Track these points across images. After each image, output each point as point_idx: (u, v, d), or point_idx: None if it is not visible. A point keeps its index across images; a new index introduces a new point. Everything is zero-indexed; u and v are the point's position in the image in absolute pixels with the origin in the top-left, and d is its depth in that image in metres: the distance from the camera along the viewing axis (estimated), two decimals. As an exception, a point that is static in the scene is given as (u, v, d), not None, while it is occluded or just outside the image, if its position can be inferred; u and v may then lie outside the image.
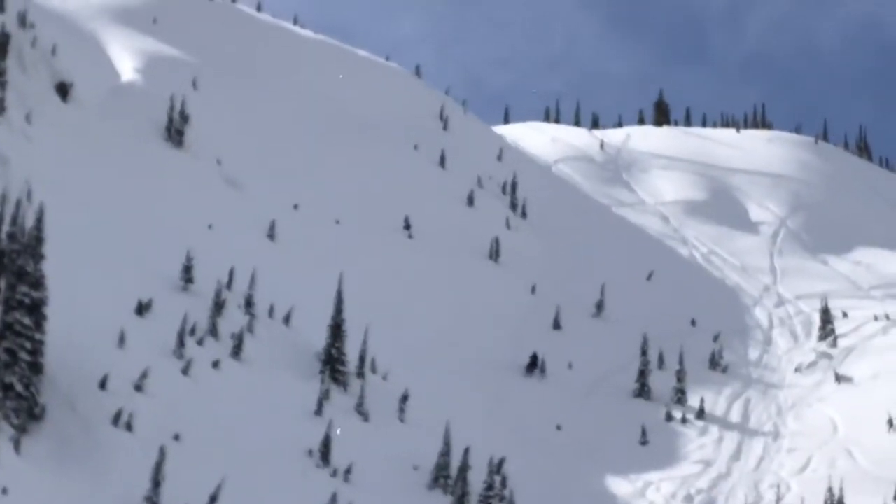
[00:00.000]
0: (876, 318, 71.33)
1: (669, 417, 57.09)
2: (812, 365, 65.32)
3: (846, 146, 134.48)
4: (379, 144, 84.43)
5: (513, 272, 74.19)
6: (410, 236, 73.16)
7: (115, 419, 39.59)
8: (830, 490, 45.77)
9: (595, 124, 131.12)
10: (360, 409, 48.69)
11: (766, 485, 49.93)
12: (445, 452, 45.07)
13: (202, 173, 66.83)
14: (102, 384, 40.80)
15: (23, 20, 65.58)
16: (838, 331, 69.05)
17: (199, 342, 47.58)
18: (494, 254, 74.98)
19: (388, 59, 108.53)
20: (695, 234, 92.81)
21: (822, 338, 68.95)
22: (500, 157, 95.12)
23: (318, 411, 46.72)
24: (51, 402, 38.45)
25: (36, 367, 38.01)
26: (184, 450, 39.56)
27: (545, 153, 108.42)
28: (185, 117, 68.98)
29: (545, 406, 57.04)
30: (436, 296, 65.56)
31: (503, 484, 44.90)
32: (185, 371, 45.09)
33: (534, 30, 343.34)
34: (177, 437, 40.29)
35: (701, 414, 57.56)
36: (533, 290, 72.36)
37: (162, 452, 36.66)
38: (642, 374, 59.85)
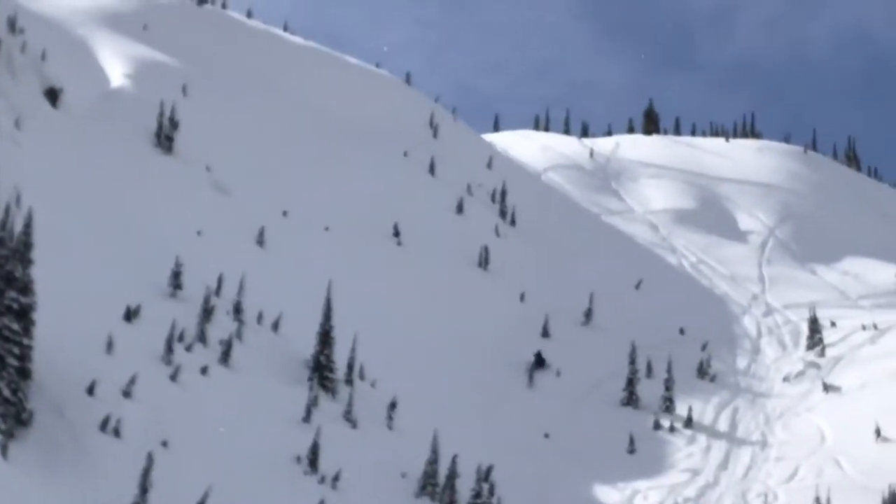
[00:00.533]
0: (864, 328, 71.40)
1: (657, 426, 57.14)
2: (800, 374, 65.40)
3: (835, 156, 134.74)
4: (369, 151, 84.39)
5: (502, 280, 74.22)
6: (400, 243, 73.14)
7: (103, 425, 39.52)
8: (818, 499, 45.90)
9: (585, 133, 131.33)
10: (349, 417, 48.67)
11: (753, 494, 49.95)
12: (433, 460, 45.04)
13: (191, 179, 66.76)
14: (90, 390, 40.74)
15: (12, 25, 65.59)
16: (826, 340, 69.13)
17: (188, 348, 47.54)
18: (484, 261, 75.00)
19: (378, 66, 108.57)
20: (684, 242, 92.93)
21: (811, 347, 69.04)
22: (489, 165, 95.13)
23: (307, 418, 46.68)
24: (39, 408, 38.37)
25: (24, 373, 37.94)
26: (172, 456, 39.52)
27: (535, 161, 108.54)
28: (174, 123, 68.93)
29: (533, 414, 57.07)
30: (425, 303, 65.57)
31: (491, 492, 44.97)
32: (173, 377, 45.03)
33: (523, 37, 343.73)
34: (165, 444, 40.23)
35: (689, 422, 57.61)
36: (522, 297, 72.39)
37: (150, 459, 36.62)
38: (630, 383, 59.89)
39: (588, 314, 71.41)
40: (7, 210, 40.05)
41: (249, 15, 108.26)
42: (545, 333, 67.59)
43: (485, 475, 45.49)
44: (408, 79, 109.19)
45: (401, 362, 56.38)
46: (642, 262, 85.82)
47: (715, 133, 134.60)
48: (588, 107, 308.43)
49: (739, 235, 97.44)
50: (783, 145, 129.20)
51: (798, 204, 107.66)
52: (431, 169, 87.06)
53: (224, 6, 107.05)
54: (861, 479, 49.79)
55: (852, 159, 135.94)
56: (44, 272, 39.86)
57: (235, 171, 70.47)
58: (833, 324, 72.63)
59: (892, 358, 62.80)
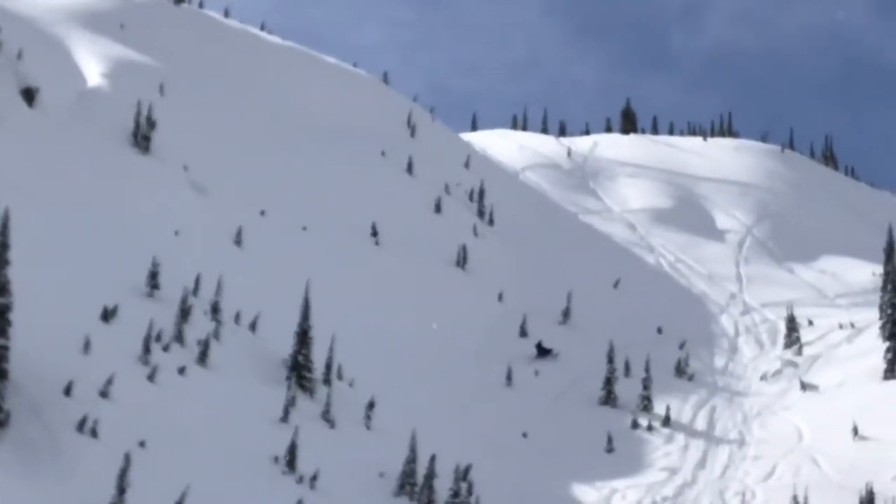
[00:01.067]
0: (841, 327, 71.62)
1: (635, 425, 57.19)
2: (777, 373, 65.57)
3: (812, 155, 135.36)
4: (346, 151, 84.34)
5: (480, 280, 74.26)
6: (377, 243, 73.10)
7: (80, 425, 39.38)
8: (795, 498, 45.95)
9: (562, 132, 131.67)
10: (327, 416, 48.60)
11: (731, 492, 49.98)
12: (411, 460, 44.96)
13: (169, 179, 66.56)
14: (67, 390, 40.61)
15: (-12, 24, 65.28)
16: (804, 339, 69.34)
17: (165, 348, 47.41)
18: (462, 261, 75.04)
19: (355, 65, 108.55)
20: (661, 241, 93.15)
21: (788, 346, 69.23)
22: (467, 165, 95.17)
23: (285, 418, 46.60)
24: (15, 409, 38.19)
25: (1, 373, 37.76)
26: (149, 456, 39.38)
27: (513, 161, 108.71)
28: (151, 123, 68.67)
29: (511, 413, 57.06)
30: (403, 303, 65.55)
31: (469, 491, 44.93)
32: (150, 377, 44.90)
33: (500, 36, 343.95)
34: (142, 444, 40.09)
35: (667, 421, 57.69)
36: (500, 297, 72.45)
37: (127, 459, 36.48)
38: (608, 382, 59.92)
39: (566, 313, 71.49)
40: (-17, 210, 39.86)
41: (227, 14, 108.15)
42: (523, 333, 67.62)
43: (463, 474, 45.46)
44: (385, 78, 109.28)
45: (379, 362, 56.34)
46: (620, 262, 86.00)
47: (692, 132, 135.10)
48: (566, 106, 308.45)
49: (717, 234, 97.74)
50: (760, 144, 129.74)
51: (775, 203, 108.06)
52: (409, 168, 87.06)
53: (201, 5, 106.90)
54: (838, 477, 49.89)
55: (829, 158, 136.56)
56: (20, 272, 39.66)
57: (213, 171, 70.29)
58: (810, 322, 72.84)
59: (869, 356, 62.94)
